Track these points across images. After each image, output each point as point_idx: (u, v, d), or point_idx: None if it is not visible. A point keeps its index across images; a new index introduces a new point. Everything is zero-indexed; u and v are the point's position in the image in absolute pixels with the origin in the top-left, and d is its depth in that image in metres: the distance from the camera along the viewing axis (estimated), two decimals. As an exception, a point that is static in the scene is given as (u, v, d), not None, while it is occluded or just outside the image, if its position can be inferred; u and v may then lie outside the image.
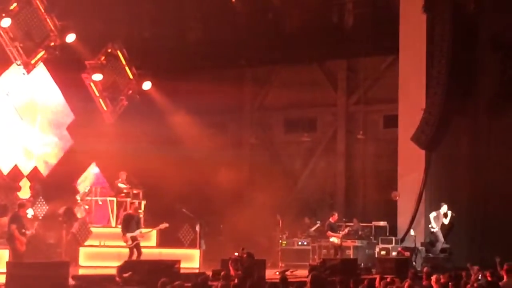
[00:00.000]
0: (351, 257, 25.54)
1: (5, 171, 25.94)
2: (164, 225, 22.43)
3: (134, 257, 20.99)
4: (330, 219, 25.47)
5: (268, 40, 31.21)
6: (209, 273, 19.05)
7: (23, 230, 19.16)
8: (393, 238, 27.10)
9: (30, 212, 22.94)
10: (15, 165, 26.25)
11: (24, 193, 25.48)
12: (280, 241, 27.58)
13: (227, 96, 30.16)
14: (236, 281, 16.11)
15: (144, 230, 21.90)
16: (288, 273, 20.93)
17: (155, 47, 29.61)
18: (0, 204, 23.15)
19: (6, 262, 17.72)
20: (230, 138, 32.55)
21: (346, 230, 25.79)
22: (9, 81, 26.29)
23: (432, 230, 26.29)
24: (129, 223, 21.51)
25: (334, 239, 25.03)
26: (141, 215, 24.37)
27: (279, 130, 34.03)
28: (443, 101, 27.11)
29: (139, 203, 24.77)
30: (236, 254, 19.71)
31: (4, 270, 16.58)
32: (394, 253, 26.23)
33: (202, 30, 31.10)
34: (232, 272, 18.41)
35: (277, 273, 22.08)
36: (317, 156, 33.16)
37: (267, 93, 33.70)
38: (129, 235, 21.17)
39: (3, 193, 24.18)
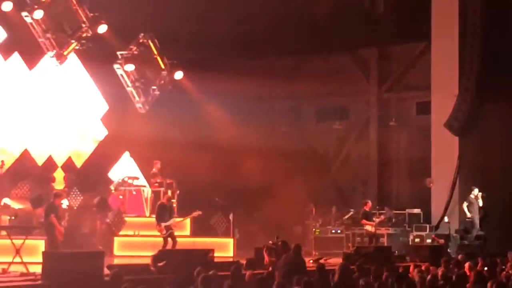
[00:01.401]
0: (385, 244, 25.46)
1: (40, 162, 26.20)
2: (197, 212, 22.51)
3: (169, 246, 21.09)
4: (365, 207, 25.39)
5: (299, 29, 31.13)
6: (243, 261, 19.11)
7: (60, 221, 19.33)
8: (427, 226, 26.99)
9: (64, 203, 23.16)
10: (50, 156, 26.50)
11: (59, 184, 25.69)
12: (314, 229, 27.57)
13: (259, 85, 30.11)
14: (270, 268, 16.17)
15: (177, 219, 21.99)
16: (322, 261, 20.88)
17: (186, 37, 29.64)
18: (35, 195, 23.34)
19: (42, 252, 17.88)
20: (262, 127, 32.49)
21: (382, 217, 25.73)
22: (42, 72, 26.51)
23: (468, 218, 26.19)
24: (162, 213, 21.61)
25: (368, 227, 24.98)
26: (174, 204, 24.49)
27: (311, 119, 33.93)
28: (476, 87, 26.92)
29: (173, 193, 24.86)
30: (271, 242, 19.78)
31: (40, 260, 16.73)
32: (428, 241, 26.14)
33: (233, 20, 31.10)
34: (266, 260, 18.50)
35: (311, 261, 22.09)
36: (349, 144, 33.07)
37: (299, 82, 33.56)
38: (163, 224, 21.27)
39: (38, 184, 24.37)
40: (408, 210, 28.11)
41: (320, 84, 32.18)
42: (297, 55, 32.74)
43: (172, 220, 21.48)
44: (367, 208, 25.41)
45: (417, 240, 26.38)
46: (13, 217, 21.98)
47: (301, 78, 33.31)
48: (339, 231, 27.47)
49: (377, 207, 27.51)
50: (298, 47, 31.80)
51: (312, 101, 33.48)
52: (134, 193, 25.93)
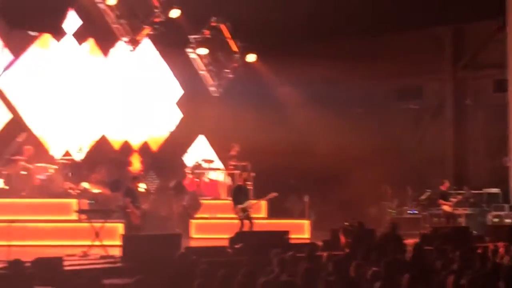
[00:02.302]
0: (463, 225, 25.15)
1: (117, 147, 26.56)
2: (273, 194, 22.52)
3: (246, 228, 21.17)
4: (441, 187, 25.13)
5: (373, 9, 30.78)
6: (319, 243, 19.09)
7: (137, 204, 19.63)
8: (506, 205, 26.57)
9: (142, 186, 23.47)
10: (126, 141, 26.83)
11: (135, 168, 26.04)
12: (390, 210, 27.39)
13: (333, 66, 29.91)
14: (347, 250, 16.12)
15: (253, 201, 22.06)
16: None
17: (259, 19, 29.59)
18: (113, 179, 23.70)
19: (121, 235, 18.17)
20: (336, 108, 32.30)
21: (460, 197, 25.43)
22: (117, 58, 26.84)
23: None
24: (238, 195, 21.71)
25: (446, 207, 24.71)
26: (250, 187, 24.60)
27: (385, 99, 33.65)
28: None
29: (248, 175, 24.93)
30: (347, 223, 19.72)
31: (119, 243, 17.01)
32: (507, 220, 25.73)
33: (306, 2, 30.91)
34: (342, 241, 18.44)
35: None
36: (425, 124, 32.73)
37: (373, 62, 33.21)
38: (239, 206, 21.36)
39: (115, 168, 24.72)
40: (486, 190, 27.71)
41: (394, 63, 31.85)
42: (371, 35, 32.40)
43: (248, 202, 21.56)
44: (444, 188, 25.17)
45: (496, 220, 26.00)
46: (92, 201, 22.37)
47: (376, 59, 32.99)
48: (415, 212, 27.24)
49: (454, 187, 27.16)
50: (372, 27, 31.46)
51: (386, 81, 33.15)
52: (209, 176, 26.12)
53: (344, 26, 30.93)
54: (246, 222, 21.41)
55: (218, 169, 26.36)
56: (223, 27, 28.29)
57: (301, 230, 23.74)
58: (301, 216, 25.30)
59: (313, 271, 11.52)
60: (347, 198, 27.57)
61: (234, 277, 11.22)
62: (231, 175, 25.32)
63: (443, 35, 32.45)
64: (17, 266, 12.16)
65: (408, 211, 27.29)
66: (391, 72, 32.29)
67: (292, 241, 18.93)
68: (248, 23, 28.24)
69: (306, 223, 24.41)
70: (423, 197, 27.78)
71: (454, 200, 24.96)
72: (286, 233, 18.98)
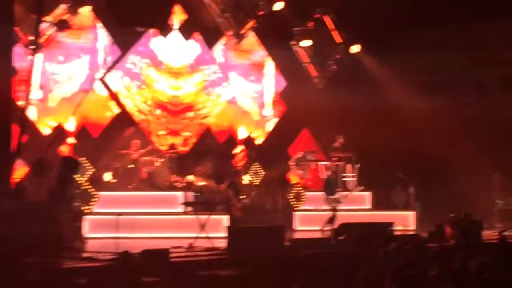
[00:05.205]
0: None
1: (221, 139, 26.82)
2: (360, 188, 22.48)
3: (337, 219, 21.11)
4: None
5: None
6: (424, 235, 18.91)
7: (240, 196, 19.86)
8: None
9: (246, 179, 23.64)
10: (230, 133, 27.07)
11: (240, 160, 26.25)
12: (497, 201, 26.85)
13: (440, 54, 29.51)
14: (452, 241, 15.93)
15: (344, 193, 21.99)
16: (506, 233, 20.35)
17: (362, 10, 29.39)
18: (218, 172, 23.97)
19: (226, 227, 18.41)
20: (443, 97, 31.82)
21: None
22: (222, 51, 27.14)
23: None
24: (328, 186, 21.72)
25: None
26: (355, 178, 24.61)
27: (495, 87, 32.89)
28: None
29: (352, 166, 24.90)
30: (452, 215, 19.49)
31: (224, 235, 17.23)
32: None
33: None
34: (448, 232, 18.24)
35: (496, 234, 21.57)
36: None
37: (483, 49, 32.52)
38: (330, 197, 21.37)
39: (220, 161, 24.98)
40: None
41: (505, 50, 31.12)
42: (480, 21, 31.70)
43: (338, 194, 21.53)
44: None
45: None
46: (197, 194, 22.69)
47: (485, 45, 32.27)
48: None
49: None
50: (478, 13, 30.80)
51: (497, 68, 32.39)
52: (313, 168, 26.14)
53: (453, 12, 30.40)
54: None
55: (323, 160, 26.33)
56: (326, 18, 28.19)
57: (405, 222, 23.56)
58: (406, 207, 25.11)
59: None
60: (454, 189, 27.12)
61: (337, 269, 11.23)
62: (336, 167, 25.28)
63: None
64: (126, 258, 12.44)
65: (518, 202, 26.68)
66: (502, 59, 31.54)
67: (397, 233, 18.82)
68: (351, 13, 28.09)
69: (411, 214, 24.21)
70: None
71: None
72: (390, 224, 18.87)
